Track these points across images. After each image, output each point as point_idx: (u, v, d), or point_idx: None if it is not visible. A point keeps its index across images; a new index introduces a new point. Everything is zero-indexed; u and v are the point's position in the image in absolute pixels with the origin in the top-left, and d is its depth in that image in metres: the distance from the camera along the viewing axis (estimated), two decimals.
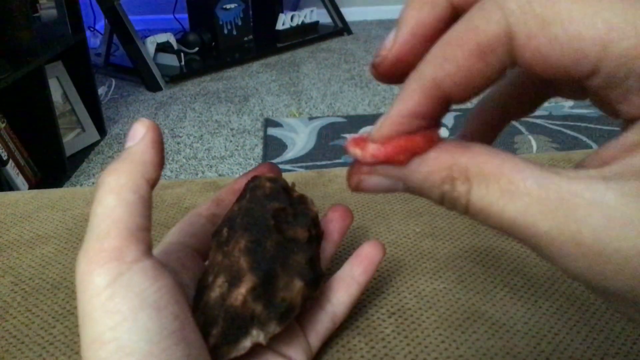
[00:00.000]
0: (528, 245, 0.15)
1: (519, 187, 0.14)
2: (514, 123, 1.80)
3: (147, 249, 0.21)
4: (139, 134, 0.22)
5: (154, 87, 2.48)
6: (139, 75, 2.51)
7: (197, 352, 0.21)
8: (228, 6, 2.84)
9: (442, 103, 0.16)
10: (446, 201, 0.16)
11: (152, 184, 0.22)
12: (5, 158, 1.52)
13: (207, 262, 0.27)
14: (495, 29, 0.14)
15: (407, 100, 0.16)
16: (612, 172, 0.14)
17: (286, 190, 0.29)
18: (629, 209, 0.13)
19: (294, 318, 0.24)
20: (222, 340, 0.23)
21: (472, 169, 0.15)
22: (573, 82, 0.16)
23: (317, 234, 0.28)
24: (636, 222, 0.13)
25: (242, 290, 0.23)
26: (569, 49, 0.14)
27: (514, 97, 0.21)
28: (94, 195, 0.21)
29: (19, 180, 1.57)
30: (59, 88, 1.87)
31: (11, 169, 1.54)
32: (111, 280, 0.19)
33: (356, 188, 0.18)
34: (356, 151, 0.17)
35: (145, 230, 0.21)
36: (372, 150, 0.17)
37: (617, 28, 0.13)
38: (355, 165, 0.18)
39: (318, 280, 0.25)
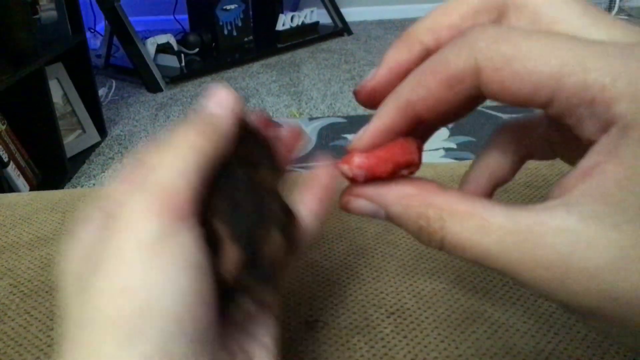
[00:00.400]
0: (503, 273, 0.16)
1: (492, 223, 0.16)
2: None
3: (199, 218, 0.19)
4: (222, 99, 0.21)
5: (155, 88, 2.48)
6: (140, 76, 2.51)
7: (213, 328, 0.19)
8: (228, 7, 2.84)
9: (414, 122, 0.18)
10: (423, 236, 0.18)
11: (222, 158, 0.20)
12: (6, 160, 1.52)
13: None
14: (464, 63, 0.17)
15: (384, 117, 0.19)
16: (573, 198, 0.15)
17: (244, 127, 0.24)
18: (589, 231, 0.15)
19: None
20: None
21: (446, 209, 0.17)
22: (543, 141, 0.21)
23: (277, 166, 0.24)
24: (596, 243, 0.14)
25: (226, 264, 0.20)
26: (529, 82, 0.16)
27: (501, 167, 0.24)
28: (168, 141, 0.19)
29: (20, 181, 1.57)
30: (60, 89, 1.87)
31: (12, 170, 1.54)
32: (161, 234, 0.18)
33: (344, 207, 0.21)
34: (344, 167, 0.20)
35: (201, 197, 0.19)
36: (357, 162, 0.19)
37: (568, 65, 0.15)
38: (347, 187, 0.20)
39: (291, 222, 0.22)
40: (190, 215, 0.18)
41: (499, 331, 0.30)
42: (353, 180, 0.20)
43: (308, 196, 0.24)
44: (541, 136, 0.22)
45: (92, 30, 3.08)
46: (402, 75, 0.19)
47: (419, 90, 0.18)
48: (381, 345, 0.29)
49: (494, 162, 0.23)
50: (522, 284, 0.16)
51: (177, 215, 0.18)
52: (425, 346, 0.29)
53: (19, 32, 1.54)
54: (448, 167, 0.48)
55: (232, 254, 0.20)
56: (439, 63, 0.17)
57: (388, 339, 0.30)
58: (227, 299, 0.21)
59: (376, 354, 0.29)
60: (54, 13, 1.84)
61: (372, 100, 0.21)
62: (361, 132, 0.20)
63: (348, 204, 0.20)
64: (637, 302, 0.14)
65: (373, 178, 0.19)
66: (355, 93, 0.21)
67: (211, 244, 0.20)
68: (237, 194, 0.21)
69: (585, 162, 0.16)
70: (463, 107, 0.18)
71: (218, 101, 0.21)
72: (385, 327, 0.30)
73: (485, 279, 0.34)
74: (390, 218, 0.19)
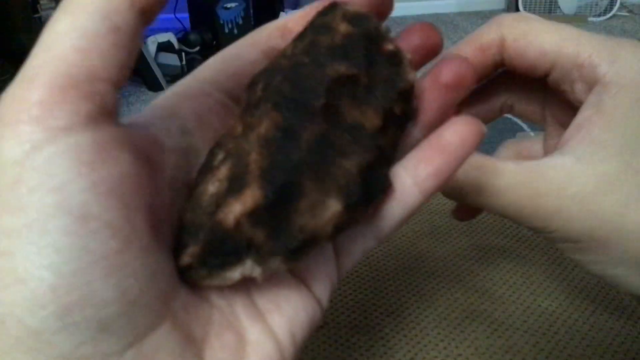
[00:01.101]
0: (510, 211, 0.20)
1: (504, 169, 0.20)
2: (517, 120, 1.79)
3: (102, 113, 0.13)
4: None
5: (156, 86, 2.48)
6: (140, 75, 2.51)
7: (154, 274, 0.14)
8: (229, 5, 2.84)
9: None
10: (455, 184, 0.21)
11: (141, 9, 0.14)
12: None
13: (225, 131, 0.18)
14: (493, 35, 0.22)
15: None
16: (569, 146, 0.20)
17: (371, 39, 0.18)
18: (581, 166, 0.19)
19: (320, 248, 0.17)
20: (199, 262, 0.15)
21: (487, 166, 0.21)
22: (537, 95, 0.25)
23: (403, 114, 0.18)
24: (586, 174, 0.19)
25: (235, 209, 0.15)
26: (538, 50, 0.21)
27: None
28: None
29: None
30: None
31: None
32: (23, 154, 0.12)
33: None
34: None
35: (107, 82, 0.13)
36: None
37: (566, 40, 0.21)
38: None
39: (374, 196, 0.17)
40: (71, 116, 0.13)
41: (498, 330, 0.30)
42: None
43: (421, 163, 0.18)
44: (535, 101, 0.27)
45: None
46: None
47: (461, 54, 0.22)
48: (381, 344, 0.29)
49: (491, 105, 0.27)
50: (524, 219, 0.20)
51: (41, 123, 0.12)
52: (425, 345, 0.29)
53: (20, 32, 1.54)
54: None
55: (248, 195, 0.15)
56: (476, 35, 0.23)
57: (388, 338, 0.30)
58: (227, 257, 0.16)
59: (376, 353, 0.29)
60: (54, 12, 1.84)
61: None
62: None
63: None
64: (615, 222, 0.18)
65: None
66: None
67: (235, 171, 0.16)
68: (301, 125, 0.16)
69: (577, 118, 0.20)
70: (493, 68, 0.23)
71: None
72: (385, 327, 0.30)
73: (485, 278, 0.34)
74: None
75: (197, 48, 2.78)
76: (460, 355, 0.28)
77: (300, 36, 0.18)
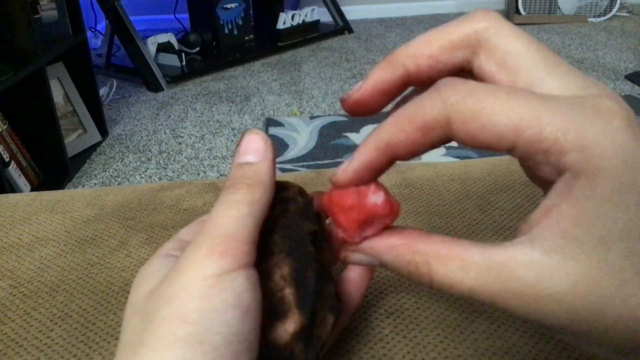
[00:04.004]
0: (486, 304, 0.19)
1: (470, 262, 0.19)
2: None
3: (254, 261, 0.22)
4: (260, 150, 0.24)
5: (155, 87, 2.48)
6: (140, 75, 2.51)
7: None
8: (229, 6, 2.84)
9: (392, 160, 0.21)
10: (413, 278, 0.20)
11: (269, 206, 0.23)
12: (7, 159, 1.53)
13: None
14: (437, 114, 0.19)
15: (366, 154, 0.21)
16: (536, 234, 0.18)
17: (310, 203, 0.26)
18: (551, 262, 0.17)
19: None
20: None
21: (431, 254, 0.20)
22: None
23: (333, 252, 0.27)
24: (558, 272, 0.17)
25: (288, 329, 0.22)
26: (493, 133, 0.18)
27: None
28: (222, 197, 0.23)
29: (21, 181, 1.57)
30: (61, 89, 1.87)
31: (13, 170, 1.54)
32: (221, 272, 0.20)
33: (344, 260, 0.24)
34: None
35: (256, 245, 0.22)
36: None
37: (526, 120, 0.18)
38: (342, 245, 0.24)
39: (340, 309, 0.24)
40: (246, 258, 0.21)
41: (498, 331, 0.30)
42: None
43: (351, 277, 0.28)
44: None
45: (93, 30, 3.08)
46: (384, 91, 0.22)
47: (398, 135, 0.20)
48: (380, 345, 0.29)
49: None
50: (503, 312, 0.19)
51: (235, 258, 0.21)
52: (425, 346, 0.29)
53: (20, 32, 1.54)
54: (448, 167, 0.48)
55: (295, 319, 0.22)
56: (416, 112, 0.20)
57: (387, 340, 0.30)
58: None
59: (375, 355, 0.29)
60: (54, 13, 1.84)
61: (355, 110, 0.23)
62: (344, 165, 0.22)
63: (347, 258, 0.24)
64: (596, 319, 0.17)
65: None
66: (341, 101, 0.24)
67: (272, 303, 0.22)
68: (307, 266, 0.23)
69: (546, 202, 0.18)
70: (433, 147, 0.21)
71: (250, 149, 0.24)
72: (385, 328, 0.30)
73: None
74: (384, 266, 0.22)
75: (197, 48, 2.78)
76: (459, 356, 0.28)
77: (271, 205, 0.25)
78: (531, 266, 0.18)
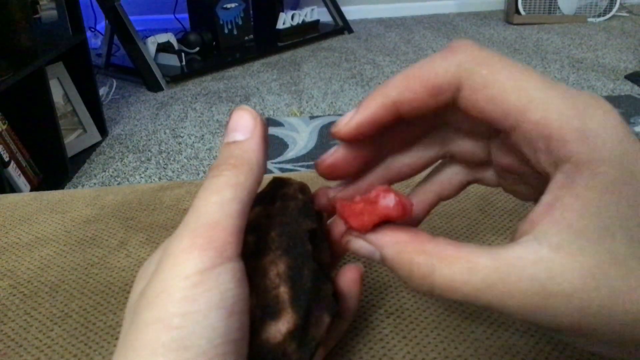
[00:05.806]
0: (489, 308, 0.18)
1: (478, 263, 0.18)
2: None
3: (240, 252, 0.21)
4: (248, 127, 0.22)
5: (155, 87, 2.48)
6: (140, 75, 2.51)
7: None
8: (228, 6, 2.84)
9: (395, 118, 0.21)
10: (413, 279, 0.19)
11: (258, 188, 0.22)
12: (6, 159, 1.52)
13: None
14: (450, 77, 0.19)
15: (371, 109, 0.21)
16: (541, 231, 0.18)
17: (311, 201, 0.26)
18: (560, 258, 0.17)
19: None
20: None
21: (436, 255, 0.19)
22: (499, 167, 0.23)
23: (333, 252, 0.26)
24: (568, 268, 0.17)
25: (281, 329, 0.21)
26: (499, 108, 0.18)
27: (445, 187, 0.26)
28: (206, 181, 0.21)
29: (21, 181, 1.57)
30: (60, 89, 1.87)
31: (13, 170, 1.54)
32: (203, 268, 0.19)
33: (344, 247, 0.23)
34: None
35: (243, 232, 0.21)
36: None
37: (534, 101, 0.18)
38: (347, 229, 0.22)
39: (337, 310, 0.24)
40: (230, 250, 0.20)
41: (498, 331, 0.30)
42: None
43: (347, 277, 0.27)
44: (490, 167, 0.24)
45: (93, 30, 3.08)
46: (363, 145, 0.23)
47: (407, 93, 0.20)
48: (380, 346, 0.29)
49: (444, 180, 0.26)
50: (508, 314, 0.18)
51: (218, 251, 0.19)
52: (425, 346, 0.29)
53: (19, 32, 1.54)
54: None
55: (289, 318, 0.21)
56: (428, 71, 0.19)
57: (387, 340, 0.30)
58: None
59: (375, 355, 0.29)
60: (54, 12, 1.84)
61: (330, 174, 0.24)
62: (346, 118, 0.21)
63: (348, 243, 0.22)
64: (607, 314, 0.17)
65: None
66: (315, 165, 0.24)
67: (266, 301, 0.21)
68: (303, 265, 0.22)
69: (546, 197, 0.18)
70: (437, 111, 0.20)
71: (239, 126, 0.22)
72: (385, 328, 0.30)
73: None
74: (383, 260, 0.21)
75: (197, 48, 2.78)
76: (459, 356, 0.28)
77: (265, 197, 0.25)
78: (540, 263, 0.17)
